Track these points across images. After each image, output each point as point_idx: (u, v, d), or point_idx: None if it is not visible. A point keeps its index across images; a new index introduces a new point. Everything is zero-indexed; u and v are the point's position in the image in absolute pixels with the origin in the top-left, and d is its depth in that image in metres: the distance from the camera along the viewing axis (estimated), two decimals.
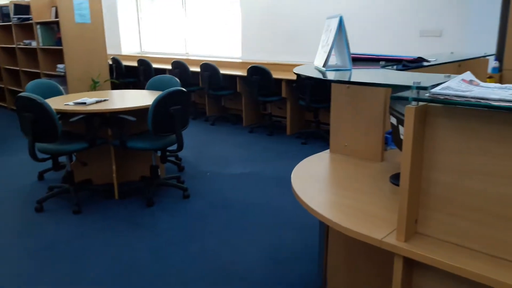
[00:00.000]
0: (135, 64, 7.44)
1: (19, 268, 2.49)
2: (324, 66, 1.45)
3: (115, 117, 3.28)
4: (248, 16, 6.36)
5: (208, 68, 5.94)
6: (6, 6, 6.75)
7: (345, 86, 1.79)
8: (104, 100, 3.52)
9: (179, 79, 6.49)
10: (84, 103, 3.34)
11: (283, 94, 5.38)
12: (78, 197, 3.52)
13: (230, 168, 4.23)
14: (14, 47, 7.03)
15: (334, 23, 1.44)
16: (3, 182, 3.90)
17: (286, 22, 5.92)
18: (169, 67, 6.77)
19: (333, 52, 1.50)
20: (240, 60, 6.61)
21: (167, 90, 3.15)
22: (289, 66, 5.91)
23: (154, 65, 7.00)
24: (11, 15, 6.49)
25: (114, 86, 7.83)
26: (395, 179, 1.59)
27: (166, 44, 8.44)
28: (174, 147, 3.96)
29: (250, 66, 5.39)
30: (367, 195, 1.49)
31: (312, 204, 1.43)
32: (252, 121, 6.18)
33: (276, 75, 5.42)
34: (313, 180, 1.65)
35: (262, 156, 4.60)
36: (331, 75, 1.38)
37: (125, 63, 7.59)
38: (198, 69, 6.35)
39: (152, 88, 4.16)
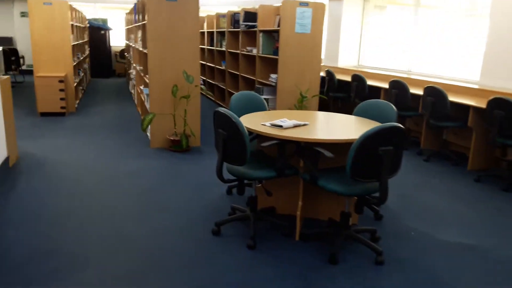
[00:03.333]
0: (349, 78, 6.90)
1: None
2: None
3: (310, 148, 2.74)
4: (499, 30, 5.00)
5: (433, 93, 4.90)
6: (238, 13, 7.12)
7: None
8: (304, 125, 3.03)
9: (395, 101, 5.66)
10: (281, 126, 2.91)
11: None
12: (257, 227, 3.14)
13: (443, 230, 3.22)
14: (238, 53, 7.40)
15: None
16: (196, 188, 3.87)
17: None
18: (386, 85, 5.97)
19: None
20: (477, 86, 5.30)
21: (379, 126, 2.43)
22: None
23: (369, 82, 6.30)
24: (240, 21, 6.79)
25: (322, 102, 7.48)
26: None
27: (387, 58, 7.62)
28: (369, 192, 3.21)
29: (493, 97, 4.15)
30: None
31: None
32: (482, 166, 4.84)
33: None
34: None
35: (492, 223, 3.40)
36: None
37: (338, 76, 7.14)
38: (419, 92, 5.36)
39: (362, 114, 3.49)
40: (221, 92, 8.65)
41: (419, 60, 6.78)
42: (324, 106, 7.67)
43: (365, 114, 3.48)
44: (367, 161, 2.50)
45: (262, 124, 3.01)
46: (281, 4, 5.33)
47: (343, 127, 3.08)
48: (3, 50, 9.58)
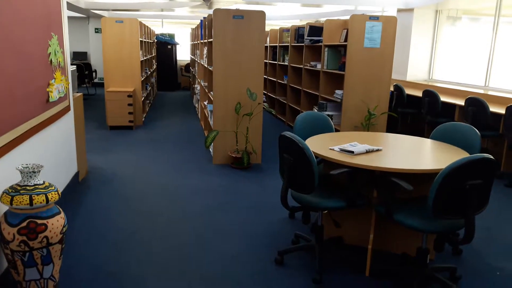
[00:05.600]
0: (418, 93, 6.51)
1: None
2: None
3: (386, 178, 2.51)
4: None
5: None
6: (302, 27, 6.99)
7: None
8: (377, 150, 2.82)
9: (472, 120, 5.22)
10: (352, 152, 2.72)
11: None
12: (323, 259, 2.95)
13: None
14: (301, 68, 7.26)
15: None
16: (257, 210, 3.75)
17: None
18: (461, 102, 5.55)
19: None
20: None
21: (467, 157, 2.16)
22: None
23: (442, 98, 5.89)
24: (305, 36, 6.65)
25: (390, 118, 7.12)
26: None
27: (461, 73, 7.11)
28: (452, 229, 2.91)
29: None
30: None
31: None
32: None
33: None
34: None
35: None
36: None
37: (408, 91, 6.76)
38: (498, 110, 4.90)
39: (441, 138, 3.20)
40: (282, 107, 8.54)
41: (499, 75, 6.24)
42: (392, 122, 7.30)
43: (444, 138, 3.18)
44: (452, 195, 2.24)
45: (331, 149, 2.83)
46: (349, 18, 5.13)
47: (421, 154, 2.82)
48: (78, 65, 10.18)
